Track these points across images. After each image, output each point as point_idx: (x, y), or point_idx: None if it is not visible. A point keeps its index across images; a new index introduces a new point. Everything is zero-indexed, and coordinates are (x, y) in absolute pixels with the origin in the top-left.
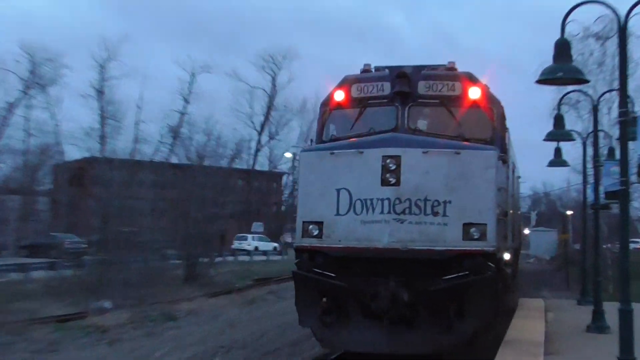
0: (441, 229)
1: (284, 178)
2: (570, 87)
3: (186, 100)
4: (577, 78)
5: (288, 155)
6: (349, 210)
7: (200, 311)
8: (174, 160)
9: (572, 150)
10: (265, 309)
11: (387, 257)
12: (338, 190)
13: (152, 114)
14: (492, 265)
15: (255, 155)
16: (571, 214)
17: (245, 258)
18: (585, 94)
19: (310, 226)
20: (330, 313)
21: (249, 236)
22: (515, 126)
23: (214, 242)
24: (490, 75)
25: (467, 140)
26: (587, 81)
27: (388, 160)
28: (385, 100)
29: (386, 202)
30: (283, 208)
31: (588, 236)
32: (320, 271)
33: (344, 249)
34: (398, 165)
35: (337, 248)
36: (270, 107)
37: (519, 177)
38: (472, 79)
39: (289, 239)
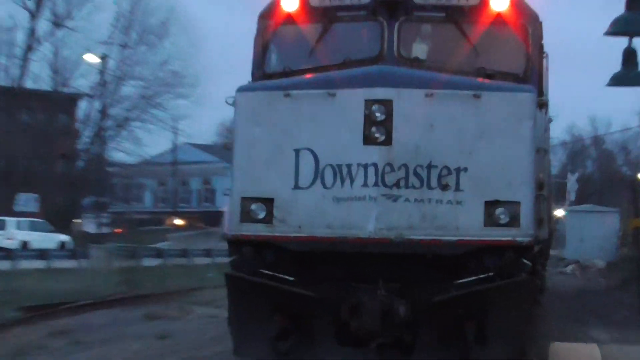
0: (453, 210)
1: (82, 105)
2: None
3: None
4: None
5: (91, 59)
6: (314, 182)
7: None
8: None
9: None
10: None
11: (373, 253)
12: (297, 151)
13: None
14: (527, 263)
15: (25, 59)
16: None
17: (4, 264)
18: None
19: (254, 205)
20: (288, 336)
21: (10, 221)
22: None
23: None
24: None
25: (489, 75)
26: None
27: (374, 107)
28: (362, 13)
29: (371, 170)
30: (80, 164)
31: None
32: (271, 274)
33: (308, 240)
34: (389, 115)
35: (296, 239)
36: None
37: (550, 119)
38: None
39: (91, 227)
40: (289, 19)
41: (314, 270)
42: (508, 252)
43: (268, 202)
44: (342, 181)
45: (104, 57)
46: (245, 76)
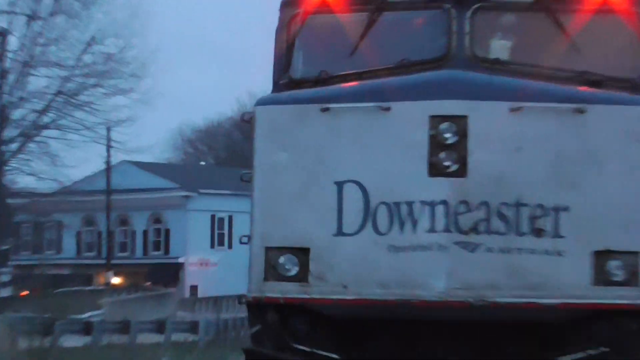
0: (551, 264)
1: None
2: None
3: None
4: None
5: None
6: (363, 225)
7: None
8: None
9: None
10: None
11: (444, 320)
12: (339, 184)
13: None
14: None
15: None
16: None
17: None
18: None
19: (282, 258)
20: None
21: None
22: None
23: None
24: None
25: (595, 82)
26: None
27: (442, 126)
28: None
29: (440, 210)
30: None
31: None
32: (306, 349)
33: (356, 304)
34: (462, 136)
35: (340, 302)
36: None
37: None
38: None
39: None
40: (324, 6)
41: (362, 344)
42: (626, 320)
43: (301, 252)
44: (401, 225)
45: (2, 34)
46: (231, 64)
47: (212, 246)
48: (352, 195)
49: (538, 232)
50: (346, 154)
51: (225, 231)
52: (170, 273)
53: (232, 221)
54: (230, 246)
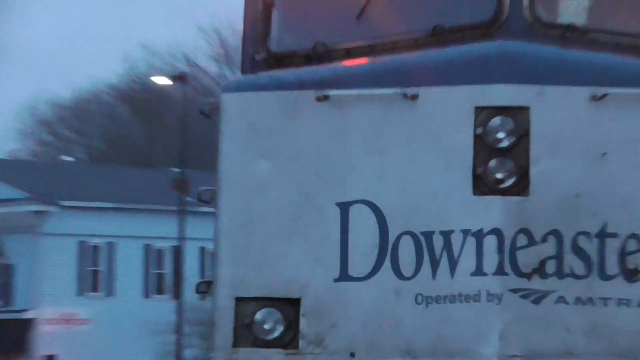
0: None
1: None
2: None
3: None
4: None
5: None
6: (378, 266)
7: None
8: None
9: None
10: None
11: None
12: (344, 206)
13: None
14: None
15: None
16: None
17: None
18: None
19: (260, 314)
20: None
21: None
22: None
23: None
24: None
25: None
26: None
27: (493, 122)
28: None
29: (490, 242)
30: None
31: None
32: None
33: None
34: (522, 136)
35: None
36: None
37: None
38: None
39: None
40: None
41: None
42: None
43: (288, 305)
44: (434, 265)
45: None
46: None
47: (81, 292)
48: (362, 221)
49: (631, 274)
50: (354, 163)
51: (103, 268)
52: (14, 335)
53: (113, 252)
54: (110, 292)
